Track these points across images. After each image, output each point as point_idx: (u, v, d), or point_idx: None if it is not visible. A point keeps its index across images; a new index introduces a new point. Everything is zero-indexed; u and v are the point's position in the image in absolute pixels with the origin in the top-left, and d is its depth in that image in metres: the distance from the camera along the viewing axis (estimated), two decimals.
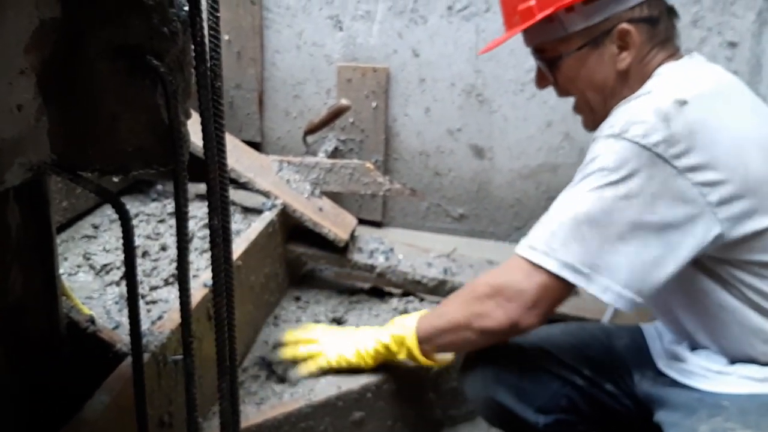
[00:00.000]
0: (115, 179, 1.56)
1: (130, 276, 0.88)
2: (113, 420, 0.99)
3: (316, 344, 1.58)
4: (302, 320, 1.84)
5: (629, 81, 1.26)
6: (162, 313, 1.39)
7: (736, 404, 1.14)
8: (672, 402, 1.23)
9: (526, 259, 1.19)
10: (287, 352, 1.58)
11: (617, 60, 1.25)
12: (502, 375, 1.37)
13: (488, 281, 1.26)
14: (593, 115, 1.32)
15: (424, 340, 1.39)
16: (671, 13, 1.29)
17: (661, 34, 1.25)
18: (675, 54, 1.27)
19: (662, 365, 1.31)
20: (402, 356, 1.46)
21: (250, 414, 1.43)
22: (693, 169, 1.09)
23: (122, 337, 1.14)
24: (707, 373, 1.21)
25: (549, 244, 1.17)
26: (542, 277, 1.17)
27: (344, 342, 1.57)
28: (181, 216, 0.83)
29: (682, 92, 1.13)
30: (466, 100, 2.41)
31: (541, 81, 1.37)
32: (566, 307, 1.82)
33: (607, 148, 1.14)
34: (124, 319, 1.24)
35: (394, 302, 1.95)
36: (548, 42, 1.30)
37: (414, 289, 1.99)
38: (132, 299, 0.90)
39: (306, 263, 2.06)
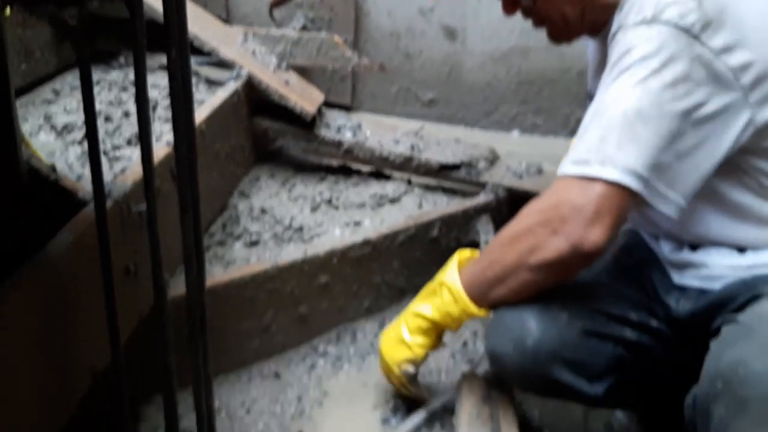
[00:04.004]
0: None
1: (89, 118, 0.87)
2: (77, 259, 1.00)
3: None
4: (280, 194, 1.87)
5: None
6: (124, 168, 1.38)
7: None
8: (728, 298, 1.12)
9: (577, 175, 1.07)
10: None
11: None
12: (558, 351, 1.17)
13: (534, 208, 1.12)
14: (567, 28, 1.23)
15: (476, 299, 1.20)
16: None
17: None
18: None
19: (678, 278, 1.22)
20: (455, 327, 1.27)
21: (216, 274, 1.46)
22: (726, 50, 1.04)
23: (84, 186, 1.13)
24: (736, 271, 1.14)
25: (602, 151, 1.05)
26: (601, 188, 1.05)
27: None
28: (138, 46, 0.81)
29: None
30: None
31: (509, 7, 1.25)
32: None
33: (640, 36, 1.07)
34: (87, 173, 1.22)
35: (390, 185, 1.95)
36: None
37: (381, 166, 2.00)
38: (91, 134, 0.89)
39: (274, 140, 2.04)
